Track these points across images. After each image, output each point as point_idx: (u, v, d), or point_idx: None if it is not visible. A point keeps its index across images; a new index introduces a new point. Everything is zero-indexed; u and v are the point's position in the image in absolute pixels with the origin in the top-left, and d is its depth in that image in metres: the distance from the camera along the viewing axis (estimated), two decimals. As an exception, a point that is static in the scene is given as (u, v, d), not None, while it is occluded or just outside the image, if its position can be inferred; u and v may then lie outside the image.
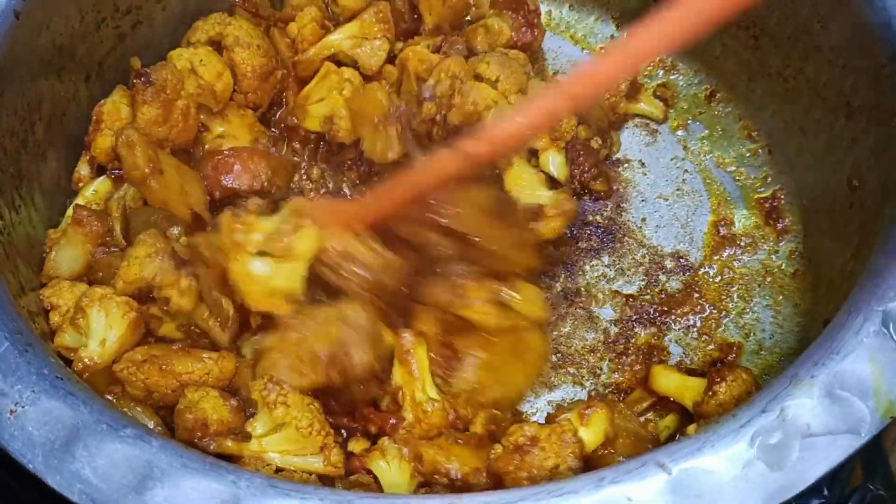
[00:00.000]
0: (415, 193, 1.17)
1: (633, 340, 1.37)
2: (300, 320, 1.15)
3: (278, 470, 1.06)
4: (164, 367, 1.12)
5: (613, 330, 1.38)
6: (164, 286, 1.17)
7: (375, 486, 1.08)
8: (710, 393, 1.18)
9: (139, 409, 1.13)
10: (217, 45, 1.45)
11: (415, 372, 1.16)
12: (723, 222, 1.50)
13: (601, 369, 1.35)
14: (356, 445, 1.12)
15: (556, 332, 1.38)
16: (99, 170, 1.40)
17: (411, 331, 1.18)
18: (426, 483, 1.08)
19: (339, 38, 1.49)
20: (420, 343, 1.18)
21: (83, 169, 1.40)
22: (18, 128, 1.29)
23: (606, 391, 1.33)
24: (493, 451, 1.08)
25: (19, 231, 1.26)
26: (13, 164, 1.27)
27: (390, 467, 1.08)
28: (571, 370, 1.34)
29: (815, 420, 0.87)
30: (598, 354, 1.36)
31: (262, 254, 1.16)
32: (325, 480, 1.09)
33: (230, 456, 1.07)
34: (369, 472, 1.10)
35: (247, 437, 1.07)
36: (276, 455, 1.07)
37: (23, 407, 0.91)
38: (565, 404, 1.31)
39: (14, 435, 0.89)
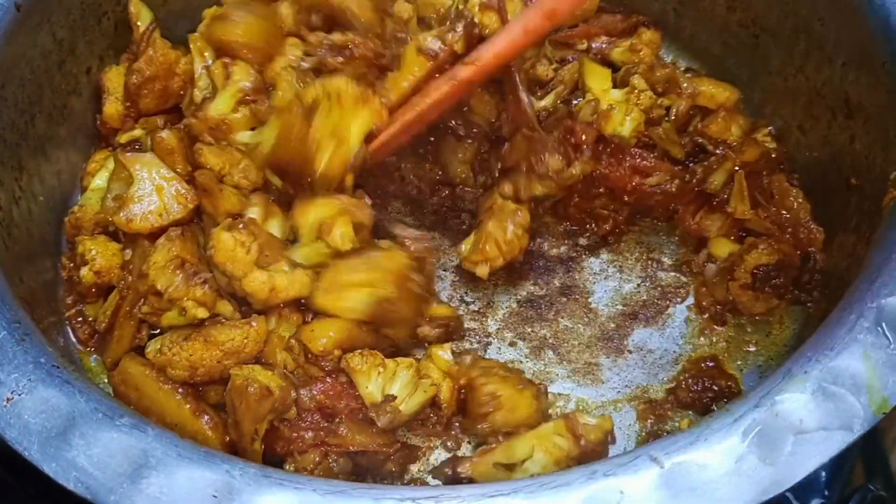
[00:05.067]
0: (419, 119, 1.28)
1: (630, 337, 1.37)
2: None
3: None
4: (207, 339, 1.16)
5: (611, 326, 1.38)
6: (177, 298, 1.16)
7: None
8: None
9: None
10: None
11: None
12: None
13: (597, 366, 1.35)
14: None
15: (553, 327, 1.38)
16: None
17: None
18: None
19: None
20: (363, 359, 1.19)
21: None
22: (19, 121, 1.30)
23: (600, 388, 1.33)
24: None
25: (19, 223, 1.26)
26: (14, 157, 1.28)
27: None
28: (567, 365, 1.34)
29: (808, 415, 0.87)
30: (595, 350, 1.36)
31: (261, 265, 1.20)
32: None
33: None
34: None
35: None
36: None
37: (19, 395, 0.92)
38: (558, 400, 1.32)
39: (10, 423, 0.90)
